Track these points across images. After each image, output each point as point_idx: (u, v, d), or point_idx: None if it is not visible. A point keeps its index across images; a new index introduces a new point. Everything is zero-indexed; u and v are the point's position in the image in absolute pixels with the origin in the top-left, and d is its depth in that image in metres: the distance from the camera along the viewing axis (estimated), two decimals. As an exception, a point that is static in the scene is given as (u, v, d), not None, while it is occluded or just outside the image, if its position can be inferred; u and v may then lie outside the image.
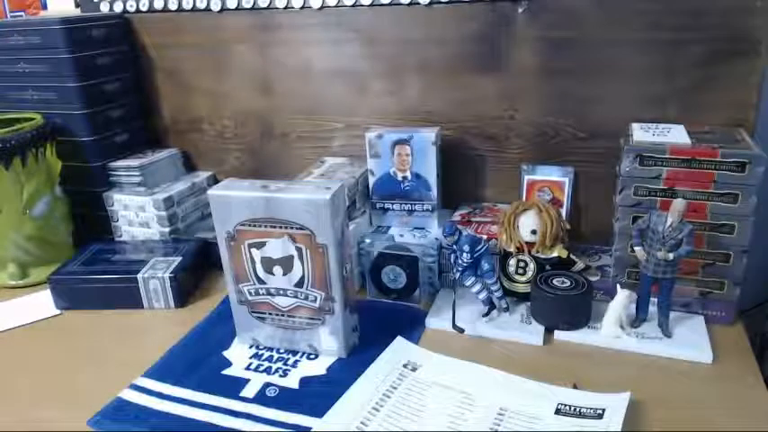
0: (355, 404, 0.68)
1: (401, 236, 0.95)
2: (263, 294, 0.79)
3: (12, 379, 0.79)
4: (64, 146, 1.07)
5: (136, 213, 1.10)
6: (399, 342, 0.79)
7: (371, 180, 0.99)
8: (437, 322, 0.84)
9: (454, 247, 0.81)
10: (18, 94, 1.09)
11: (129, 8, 1.15)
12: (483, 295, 0.83)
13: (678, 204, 0.73)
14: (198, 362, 0.79)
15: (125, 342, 0.86)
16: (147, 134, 1.22)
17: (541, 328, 0.81)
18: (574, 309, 0.80)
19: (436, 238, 0.93)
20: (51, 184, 1.05)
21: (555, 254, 0.85)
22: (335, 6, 1.01)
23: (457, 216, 0.99)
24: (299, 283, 0.76)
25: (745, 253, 0.77)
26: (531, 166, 0.97)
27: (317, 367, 0.77)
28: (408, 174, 0.97)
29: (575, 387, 0.69)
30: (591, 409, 0.65)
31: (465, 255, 0.80)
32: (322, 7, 1.02)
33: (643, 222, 0.77)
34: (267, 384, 0.74)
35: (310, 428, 0.66)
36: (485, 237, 0.88)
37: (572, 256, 0.85)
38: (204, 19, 1.10)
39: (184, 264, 0.96)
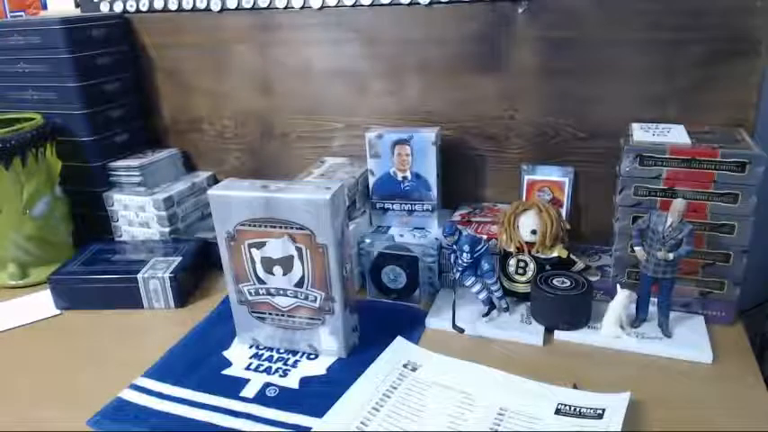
0: (355, 404, 0.68)
1: (401, 236, 0.95)
2: (263, 294, 0.79)
3: (12, 379, 0.79)
4: (64, 146, 1.07)
5: (136, 213, 1.10)
6: (399, 342, 0.79)
7: (371, 180, 0.99)
8: (437, 322, 0.84)
9: (454, 247, 0.81)
10: (18, 94, 1.09)
11: (129, 8, 1.15)
12: (483, 295, 0.83)
13: (678, 204, 0.73)
14: (198, 362, 0.79)
15: (125, 342, 0.86)
16: (147, 134, 1.22)
17: (541, 328, 0.81)
18: (574, 309, 0.80)
19: (436, 238, 0.93)
20: (51, 184, 1.05)
21: (555, 254, 0.85)
22: (335, 6, 1.01)
23: (457, 216, 0.99)
24: (299, 283, 0.76)
25: (745, 253, 0.77)
26: (531, 166, 0.97)
27: (317, 367, 0.77)
28: (408, 174, 0.97)
29: (575, 387, 0.69)
30: (591, 409, 0.65)
31: (465, 255, 0.80)
32: (322, 7, 1.02)
33: (643, 222, 0.77)
34: (267, 384, 0.74)
35: (310, 428, 0.66)
36: (485, 237, 0.88)
37: (572, 256, 0.85)
38: (204, 19, 1.10)
39: (184, 264, 0.96)
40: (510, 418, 0.65)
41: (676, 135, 0.81)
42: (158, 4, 1.12)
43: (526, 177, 0.96)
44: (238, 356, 0.80)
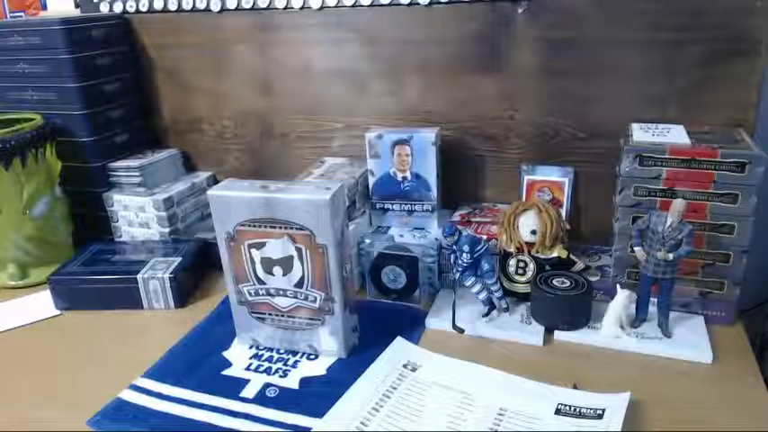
0: (355, 404, 0.68)
1: (401, 236, 0.95)
2: (262, 295, 0.79)
3: (12, 379, 0.79)
4: (64, 146, 1.07)
5: (136, 214, 1.10)
6: (399, 342, 0.79)
7: (371, 180, 0.99)
8: (437, 322, 0.84)
9: (454, 247, 0.81)
10: (18, 95, 1.09)
11: (128, 8, 1.15)
12: (483, 295, 0.83)
13: (678, 204, 0.73)
14: (198, 362, 0.79)
15: (125, 342, 0.86)
16: (147, 134, 1.22)
17: (541, 329, 0.81)
18: (574, 309, 0.80)
19: (436, 239, 0.93)
20: (51, 185, 1.05)
21: (555, 254, 0.85)
22: (335, 6, 1.01)
23: (457, 216, 0.99)
24: (299, 284, 0.76)
25: (745, 253, 0.77)
26: (530, 166, 0.97)
27: (317, 367, 0.77)
28: (408, 174, 0.97)
29: (575, 387, 0.69)
30: (591, 409, 0.65)
31: (465, 255, 0.80)
32: (322, 7, 1.02)
33: (643, 222, 0.77)
34: (267, 385, 0.74)
35: (310, 429, 0.66)
36: (485, 237, 0.88)
37: (572, 257, 0.85)
38: (204, 19, 1.10)
39: (184, 264, 0.96)
40: (510, 418, 0.65)
41: (676, 135, 0.81)
42: (158, 5, 1.12)
43: (526, 177, 0.96)
44: (238, 357, 0.80)
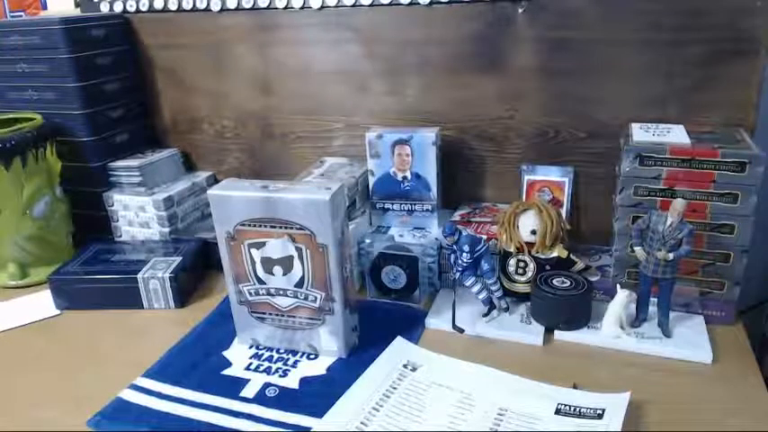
0: (355, 404, 0.68)
1: (401, 236, 0.95)
2: (262, 294, 0.79)
3: (12, 379, 0.79)
4: (64, 146, 1.07)
5: (136, 213, 1.10)
6: (399, 342, 0.79)
7: (371, 180, 0.99)
8: (437, 322, 0.84)
9: (454, 247, 0.81)
10: (18, 94, 1.09)
11: (129, 8, 1.15)
12: (483, 295, 0.83)
13: (678, 204, 0.73)
14: (198, 362, 0.79)
15: (125, 342, 0.86)
16: (148, 134, 1.22)
17: (541, 328, 0.81)
18: (574, 309, 0.80)
19: (436, 238, 0.93)
20: (51, 185, 1.05)
21: (555, 254, 0.85)
22: (335, 6, 1.01)
23: (457, 216, 0.99)
24: (299, 284, 0.76)
25: (745, 253, 0.77)
26: (530, 166, 0.97)
27: (317, 367, 0.77)
28: (408, 174, 0.97)
29: (575, 387, 0.69)
30: (591, 409, 0.65)
31: (465, 255, 0.80)
32: (322, 7, 1.02)
33: (643, 222, 0.77)
34: (267, 384, 0.74)
35: (310, 428, 0.66)
36: (485, 237, 0.88)
37: (572, 256, 0.85)
38: (204, 19, 1.10)
39: (184, 264, 0.96)
40: (510, 418, 0.65)
41: (676, 135, 0.81)
42: (158, 4, 1.12)
43: (526, 177, 0.96)
44: (238, 356, 0.80)
